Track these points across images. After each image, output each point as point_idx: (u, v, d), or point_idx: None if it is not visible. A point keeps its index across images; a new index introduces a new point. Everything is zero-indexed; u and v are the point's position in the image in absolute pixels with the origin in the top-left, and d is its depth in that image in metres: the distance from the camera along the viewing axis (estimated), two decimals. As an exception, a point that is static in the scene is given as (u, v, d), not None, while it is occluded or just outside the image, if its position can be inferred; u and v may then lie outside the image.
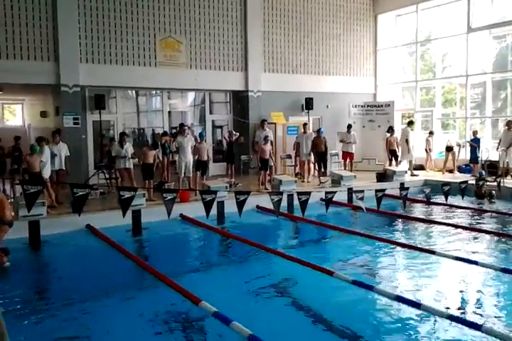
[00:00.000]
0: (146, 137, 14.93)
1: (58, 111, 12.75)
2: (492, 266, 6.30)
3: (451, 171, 14.51)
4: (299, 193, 7.71)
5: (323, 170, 13.12)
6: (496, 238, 8.00)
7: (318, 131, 13.36)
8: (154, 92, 15.10)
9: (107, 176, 11.64)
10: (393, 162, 14.40)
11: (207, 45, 14.46)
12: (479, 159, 13.72)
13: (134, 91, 14.69)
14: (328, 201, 7.87)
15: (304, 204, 7.46)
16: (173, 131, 14.23)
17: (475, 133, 14.06)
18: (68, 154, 10.34)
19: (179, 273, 6.35)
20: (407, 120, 15.55)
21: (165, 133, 13.28)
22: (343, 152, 14.47)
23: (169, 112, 15.10)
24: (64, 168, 10.18)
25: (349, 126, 14.50)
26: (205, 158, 11.43)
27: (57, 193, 9.90)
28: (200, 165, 11.43)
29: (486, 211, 10.32)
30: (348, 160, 14.36)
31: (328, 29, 16.79)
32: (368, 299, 5.38)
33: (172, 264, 6.94)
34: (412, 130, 14.80)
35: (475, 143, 13.76)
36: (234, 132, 13.63)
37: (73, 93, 12.56)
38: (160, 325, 4.83)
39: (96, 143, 13.35)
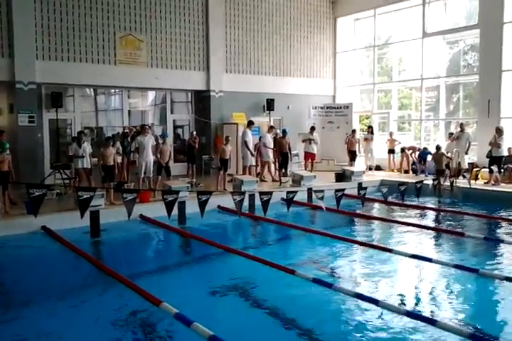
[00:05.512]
0: (104, 136, 14.60)
1: (12, 109, 12.32)
2: (446, 263, 6.55)
3: (406, 171, 15.04)
4: (260, 193, 7.78)
5: (283, 170, 13.24)
6: (449, 236, 8.30)
7: (283, 132, 13.45)
8: (114, 91, 14.82)
9: (64, 176, 11.32)
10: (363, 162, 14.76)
11: (168, 44, 14.33)
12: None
13: (92, 90, 14.38)
14: (289, 201, 7.97)
15: (265, 204, 7.53)
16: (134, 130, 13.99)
17: (425, 149, 14.62)
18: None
19: (139, 275, 6.27)
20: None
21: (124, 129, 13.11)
22: (306, 152, 14.63)
23: (129, 111, 14.85)
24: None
25: (312, 128, 14.67)
26: (166, 160, 11.16)
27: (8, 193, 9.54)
28: (163, 168, 11.15)
29: (440, 210, 10.71)
30: (309, 160, 14.55)
31: (289, 31, 16.96)
32: (328, 297, 5.48)
33: (132, 265, 6.85)
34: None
35: (423, 156, 14.43)
36: (195, 134, 13.65)
37: (29, 90, 12.17)
38: (120, 327, 4.75)
39: (52, 142, 12.98)
